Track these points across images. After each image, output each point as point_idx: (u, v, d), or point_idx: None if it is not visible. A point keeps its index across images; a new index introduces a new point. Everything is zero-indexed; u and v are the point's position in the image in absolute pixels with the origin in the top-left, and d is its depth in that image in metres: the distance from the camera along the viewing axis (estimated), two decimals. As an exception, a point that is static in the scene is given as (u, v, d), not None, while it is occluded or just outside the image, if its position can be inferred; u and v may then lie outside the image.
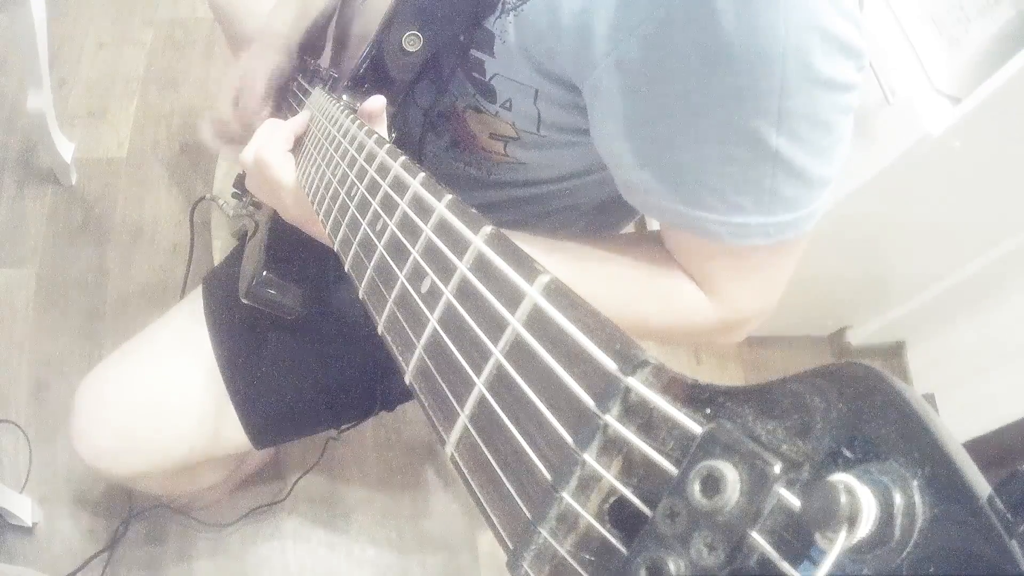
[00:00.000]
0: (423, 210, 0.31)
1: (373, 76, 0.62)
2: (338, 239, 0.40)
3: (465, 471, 0.24)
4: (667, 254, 0.55)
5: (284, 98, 0.74)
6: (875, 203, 1.09)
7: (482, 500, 0.23)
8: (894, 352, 1.43)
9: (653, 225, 1.39)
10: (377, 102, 0.53)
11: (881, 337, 1.42)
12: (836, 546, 0.14)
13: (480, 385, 0.24)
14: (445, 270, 0.27)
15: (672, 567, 0.16)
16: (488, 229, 0.26)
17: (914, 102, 0.97)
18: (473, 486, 0.23)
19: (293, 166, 0.55)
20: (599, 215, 0.74)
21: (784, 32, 0.41)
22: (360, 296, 0.35)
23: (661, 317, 0.54)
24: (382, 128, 0.54)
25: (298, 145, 0.58)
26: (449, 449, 0.25)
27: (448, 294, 0.27)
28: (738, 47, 0.41)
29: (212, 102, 1.65)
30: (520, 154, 0.63)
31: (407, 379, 0.29)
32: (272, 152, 0.55)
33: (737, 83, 0.43)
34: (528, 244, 0.54)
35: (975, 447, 1.16)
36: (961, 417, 1.22)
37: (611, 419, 0.19)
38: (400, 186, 0.34)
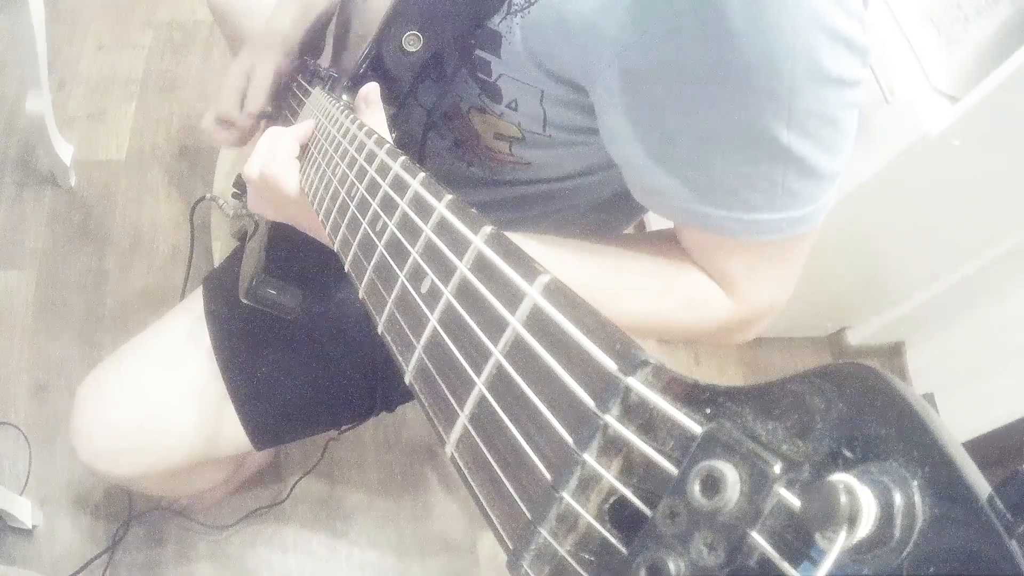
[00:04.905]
0: (423, 210, 0.31)
1: (373, 76, 0.61)
2: (338, 239, 0.40)
3: (465, 471, 0.24)
4: (683, 253, 0.55)
5: (284, 98, 0.74)
6: (874, 203, 1.09)
7: (482, 500, 0.23)
8: (893, 352, 1.43)
9: (651, 226, 1.39)
10: (371, 89, 0.53)
11: (880, 337, 1.42)
12: (836, 546, 0.14)
13: (480, 385, 0.24)
14: (445, 270, 0.27)
15: (672, 567, 0.16)
16: (488, 229, 0.26)
17: (913, 101, 0.97)
18: (473, 486, 0.23)
19: (298, 175, 0.54)
20: (600, 214, 0.74)
21: (792, 33, 0.41)
22: (360, 296, 0.35)
23: (685, 315, 0.54)
24: (380, 117, 0.54)
25: (303, 152, 0.57)
26: (449, 449, 0.25)
27: (448, 294, 0.27)
28: (748, 49, 0.42)
29: (211, 104, 1.65)
30: (525, 154, 0.63)
31: (407, 379, 0.29)
32: (278, 164, 0.54)
33: (748, 84, 0.43)
34: (555, 246, 0.54)
35: (975, 447, 1.16)
36: (961, 417, 1.22)
37: (611, 419, 0.19)
38: (400, 186, 0.34)
